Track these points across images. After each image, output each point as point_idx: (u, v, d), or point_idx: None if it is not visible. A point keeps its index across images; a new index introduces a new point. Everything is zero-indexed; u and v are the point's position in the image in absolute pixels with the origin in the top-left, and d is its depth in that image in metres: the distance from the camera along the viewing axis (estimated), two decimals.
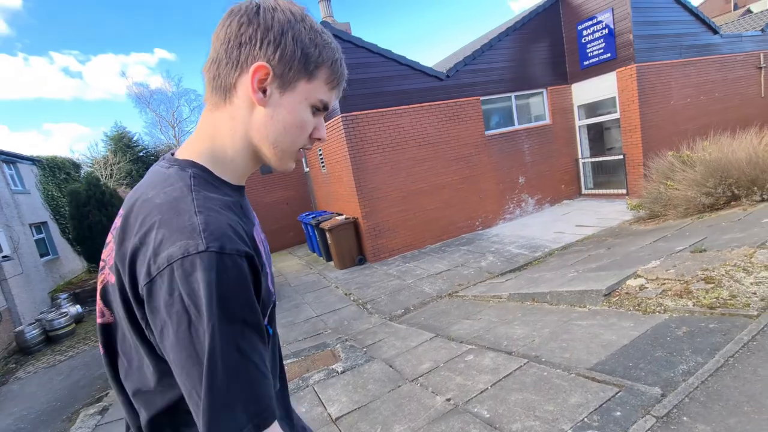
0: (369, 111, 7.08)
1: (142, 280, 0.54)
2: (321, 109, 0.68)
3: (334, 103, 0.68)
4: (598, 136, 9.56)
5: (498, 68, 8.41)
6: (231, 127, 0.66)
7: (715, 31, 9.25)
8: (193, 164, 0.65)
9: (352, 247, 7.34)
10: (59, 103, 42.68)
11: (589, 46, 8.70)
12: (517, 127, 8.83)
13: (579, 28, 8.78)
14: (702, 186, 4.65)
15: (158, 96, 27.45)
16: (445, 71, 7.85)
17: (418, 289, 5.48)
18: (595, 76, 8.78)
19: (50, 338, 8.13)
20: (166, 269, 0.52)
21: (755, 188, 4.30)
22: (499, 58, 8.41)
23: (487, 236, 7.83)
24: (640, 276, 3.00)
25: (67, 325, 8.34)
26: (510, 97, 8.75)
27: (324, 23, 7.65)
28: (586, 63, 8.85)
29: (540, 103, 9.25)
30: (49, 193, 12.04)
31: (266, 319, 0.66)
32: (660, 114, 8.48)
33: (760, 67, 10.28)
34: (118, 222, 0.63)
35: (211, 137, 0.67)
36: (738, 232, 3.43)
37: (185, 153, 0.67)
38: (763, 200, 4.23)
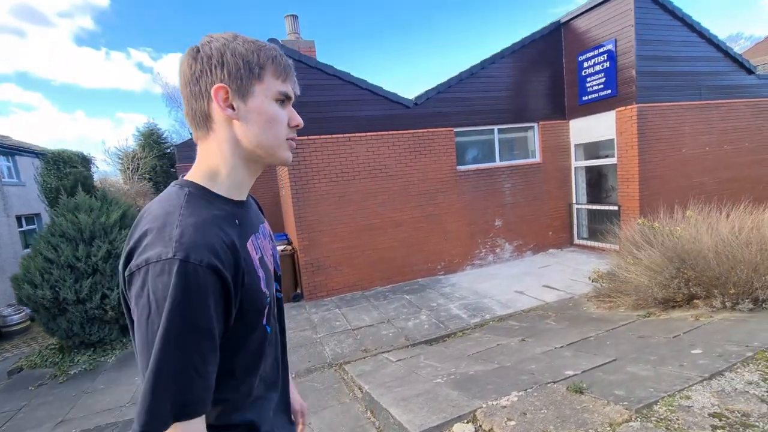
0: (318, 136, 6.51)
1: (127, 272, 0.65)
2: (285, 100, 0.78)
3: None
4: (597, 179, 8.41)
5: (480, 98, 7.58)
6: (220, 148, 0.77)
7: (749, 71, 7.88)
8: (191, 184, 0.76)
9: (289, 282, 6.75)
10: (131, 95, 47.15)
11: (589, 79, 7.67)
12: (498, 163, 7.91)
13: (580, 59, 7.77)
14: (658, 273, 3.63)
15: None
16: (413, 99, 7.14)
17: (318, 349, 4.78)
18: (594, 113, 7.72)
19: (2, 334, 8.15)
20: (143, 268, 0.63)
21: (716, 291, 3.25)
22: (483, 86, 7.58)
23: (442, 284, 6.97)
24: (473, 422, 2.16)
25: (20, 322, 8.34)
26: (492, 130, 7.87)
27: (279, 41, 7.22)
28: (585, 98, 7.81)
29: (529, 139, 8.28)
30: (49, 185, 12.46)
31: (263, 318, 0.77)
32: (666, 163, 7.26)
33: None
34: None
35: (207, 161, 0.78)
36: (653, 363, 2.48)
37: (189, 176, 0.79)
38: (724, 307, 3.17)
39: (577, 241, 8.60)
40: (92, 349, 5.08)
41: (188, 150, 9.61)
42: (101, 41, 44.99)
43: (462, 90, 7.44)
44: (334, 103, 6.62)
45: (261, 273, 0.76)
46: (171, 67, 45.61)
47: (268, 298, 0.78)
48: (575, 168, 8.46)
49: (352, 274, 6.94)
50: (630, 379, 2.28)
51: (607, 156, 7.78)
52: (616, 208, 7.54)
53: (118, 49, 45.93)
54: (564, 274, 6.83)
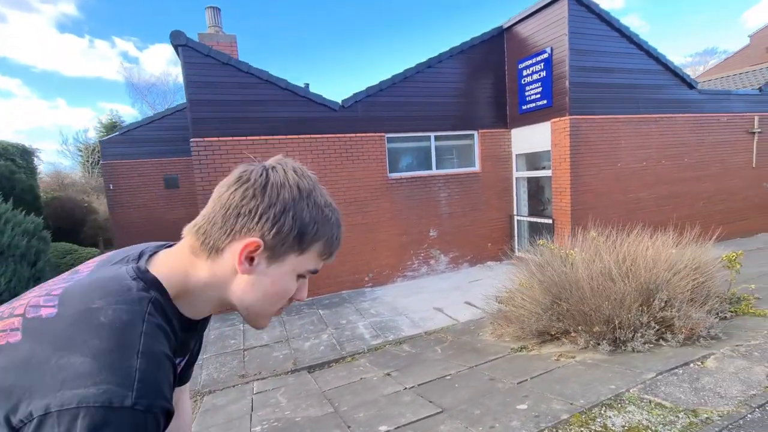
0: (229, 138, 6.08)
1: (33, 405, 0.43)
2: (306, 276, 0.67)
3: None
4: (536, 191, 8.18)
5: (416, 103, 7.25)
6: (207, 281, 0.63)
7: (690, 86, 7.75)
8: (159, 287, 0.59)
9: None
10: (114, 85, 45.65)
11: (528, 88, 7.42)
12: (434, 172, 7.60)
13: (520, 67, 7.52)
14: (537, 303, 3.34)
15: (159, 87, 27.40)
16: (340, 101, 6.77)
17: (195, 373, 4.35)
18: (533, 123, 7.47)
19: None
20: (71, 410, 0.43)
21: (579, 327, 2.96)
22: (419, 91, 7.24)
23: (364, 298, 6.62)
24: None
25: None
26: (429, 137, 7.55)
27: (204, 35, 6.77)
28: (524, 107, 7.56)
29: (469, 148, 7.99)
30: None
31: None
32: (601, 177, 7.05)
33: (753, 132, 8.62)
34: (49, 309, 0.51)
35: (186, 274, 0.62)
36: (470, 421, 2.15)
37: (157, 269, 0.61)
38: (587, 347, 2.88)
39: (518, 254, 8.35)
40: None
41: (114, 146, 9.04)
42: (85, 28, 43.38)
43: (396, 94, 7.10)
44: (251, 103, 6.20)
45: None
46: (157, 59, 44.47)
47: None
48: (516, 178, 8.22)
49: None
50: None
51: (544, 167, 7.55)
52: (550, 221, 7.31)
53: (103, 37, 44.43)
54: (492, 289, 6.50)
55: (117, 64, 45.28)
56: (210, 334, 5.43)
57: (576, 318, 2.96)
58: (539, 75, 7.09)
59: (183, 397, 0.88)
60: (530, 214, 8.11)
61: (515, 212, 8.27)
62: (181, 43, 5.70)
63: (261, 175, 0.62)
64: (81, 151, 23.66)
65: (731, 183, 8.51)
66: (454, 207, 7.77)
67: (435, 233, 7.66)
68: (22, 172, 12.12)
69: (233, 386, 4.00)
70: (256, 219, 0.60)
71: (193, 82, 5.85)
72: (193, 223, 0.64)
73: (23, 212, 10.05)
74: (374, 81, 7.13)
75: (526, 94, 7.46)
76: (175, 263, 0.63)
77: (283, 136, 6.40)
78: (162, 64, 44.79)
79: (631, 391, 2.13)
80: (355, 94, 6.86)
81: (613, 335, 2.78)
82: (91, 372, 0.45)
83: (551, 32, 6.74)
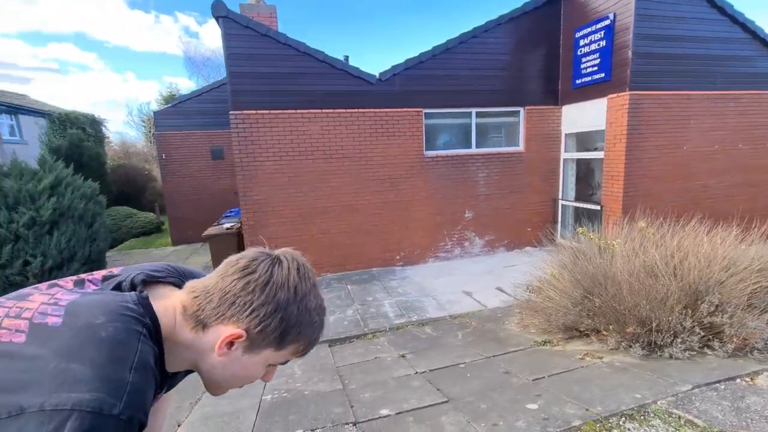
0: (266, 111, 6.14)
1: (24, 400, 0.47)
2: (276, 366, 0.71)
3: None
4: (586, 174, 7.56)
5: (457, 77, 6.86)
6: (187, 344, 0.66)
7: None
8: (154, 318, 0.62)
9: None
10: (176, 59, 48.68)
11: (584, 60, 6.74)
12: (473, 150, 7.25)
13: (577, 36, 6.83)
14: (566, 296, 3.08)
15: (213, 61, 28.38)
16: (377, 74, 6.56)
17: None
18: (587, 99, 6.83)
19: None
20: (64, 411, 0.46)
21: (611, 326, 2.67)
22: (461, 64, 6.84)
23: (394, 277, 6.60)
24: None
25: None
26: (470, 113, 7.16)
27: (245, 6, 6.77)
28: (578, 81, 6.91)
29: (513, 125, 7.50)
30: (55, 146, 12.92)
31: None
32: (662, 161, 6.35)
33: None
34: (55, 318, 0.55)
35: (173, 326, 0.66)
36: (472, 416, 2.03)
37: (155, 304, 0.65)
38: (618, 348, 2.61)
39: (560, 240, 7.87)
40: None
41: (166, 117, 9.52)
42: (151, 4, 45.98)
43: (436, 67, 6.75)
44: (288, 76, 6.18)
45: None
46: (215, 33, 46.39)
47: None
48: (564, 160, 7.64)
49: None
50: None
51: (596, 149, 6.93)
52: (598, 207, 6.76)
53: (167, 12, 46.86)
54: (526, 276, 6.24)
55: (192, 41, 47.62)
56: None
57: (608, 316, 2.70)
58: (598, 45, 6.40)
59: (165, 404, 0.93)
60: (577, 199, 7.55)
61: (560, 196, 7.74)
62: (221, 15, 5.75)
63: (266, 271, 0.65)
64: (144, 122, 25.41)
65: None
66: (493, 188, 7.41)
67: (471, 214, 7.39)
68: (90, 141, 13.20)
69: None
70: (247, 312, 0.63)
71: (234, 54, 5.91)
72: (195, 285, 0.68)
73: (87, 178, 11.00)
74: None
75: (582, 66, 6.78)
76: (168, 309, 0.66)
77: (319, 110, 6.36)
78: (218, 38, 47.02)
79: (658, 403, 1.90)
80: (394, 67, 6.61)
81: (649, 338, 2.50)
82: (88, 380, 0.49)
83: None
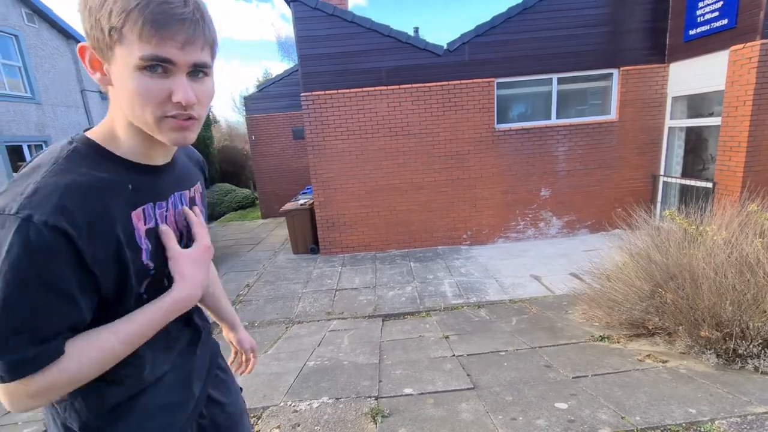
0: (334, 91, 6.33)
1: None
2: (157, 67, 0.60)
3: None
4: (696, 146, 6.32)
5: (535, 39, 6.22)
6: (113, 108, 0.69)
7: None
8: (84, 140, 0.68)
9: (307, 235, 7.09)
10: (273, 44, 53.18)
11: (701, 4, 5.55)
12: (553, 122, 6.59)
13: None
14: (634, 288, 2.68)
15: None
16: (445, 45, 6.25)
17: (291, 304, 5.05)
18: (703, 53, 5.66)
19: None
20: None
21: (682, 327, 2.21)
22: (540, 24, 6.17)
23: (458, 256, 6.47)
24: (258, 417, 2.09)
25: None
26: (550, 79, 6.47)
27: None
28: (692, 32, 5.74)
29: (604, 91, 6.58)
30: None
31: (141, 287, 0.71)
32: None
33: None
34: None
35: (109, 118, 0.70)
36: (492, 407, 1.93)
37: (90, 131, 0.71)
38: (687, 353, 2.17)
39: (659, 223, 6.82)
40: None
41: (254, 102, 10.37)
42: None
43: (511, 30, 6.19)
44: (355, 54, 6.24)
45: (145, 245, 0.70)
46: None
47: (152, 270, 0.72)
48: (670, 128, 6.51)
49: (368, 233, 6.91)
50: (427, 419, 1.88)
51: (711, 114, 5.75)
52: (710, 185, 5.67)
53: (265, 0, 50.69)
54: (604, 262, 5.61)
55: (271, 25, 50.80)
56: (313, 273, 6.13)
57: (680, 314, 2.30)
58: None
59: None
60: (684, 175, 6.42)
61: (662, 172, 6.66)
62: None
63: None
64: (245, 106, 28.13)
65: None
66: (575, 163, 6.67)
67: (547, 193, 6.80)
68: None
69: (318, 321, 4.51)
70: (82, 24, 0.62)
71: (304, 37, 6.15)
72: None
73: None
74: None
75: (698, 13, 5.59)
76: (104, 119, 0.70)
77: (385, 87, 6.33)
78: None
79: (716, 422, 1.58)
80: (462, 35, 6.23)
81: (728, 345, 2.07)
82: (2, 192, 0.59)
83: None
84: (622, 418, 1.70)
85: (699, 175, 6.14)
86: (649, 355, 2.36)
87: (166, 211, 0.76)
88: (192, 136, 0.68)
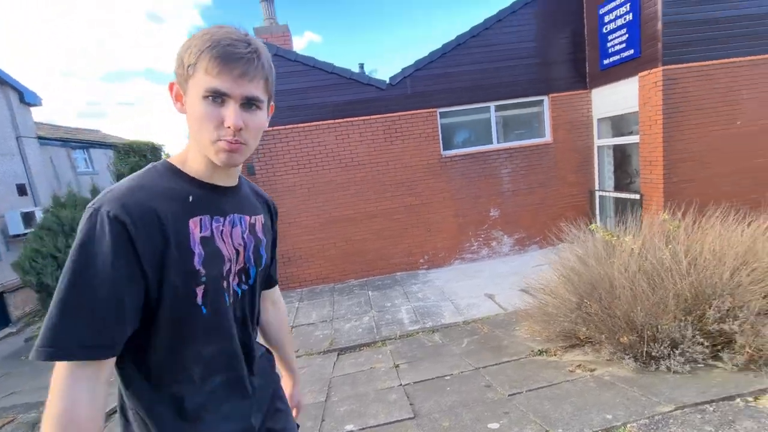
0: (282, 126, 6.40)
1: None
2: (217, 98, 0.73)
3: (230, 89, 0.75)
4: (624, 161, 6.90)
5: (471, 71, 6.65)
6: (190, 137, 0.81)
7: None
8: (163, 162, 0.83)
9: None
10: None
11: (610, 37, 6.20)
12: (495, 146, 6.96)
13: (600, 12, 6.31)
14: (564, 303, 2.84)
15: None
16: (387, 79, 6.55)
17: None
18: (618, 80, 6.27)
19: None
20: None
21: (603, 335, 2.37)
22: (474, 58, 6.62)
23: (416, 281, 6.53)
24: None
25: None
26: (488, 108, 6.90)
27: (255, 29, 7.10)
28: (606, 62, 6.37)
29: (537, 116, 7.09)
30: (120, 173, 14.48)
31: (195, 296, 0.78)
32: (708, 141, 5.63)
33: None
34: None
35: (187, 145, 0.83)
36: None
37: (171, 156, 0.86)
38: (612, 359, 2.31)
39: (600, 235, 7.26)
40: None
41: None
42: None
43: (448, 64, 6.60)
44: (302, 91, 6.39)
45: (198, 250, 0.78)
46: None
47: (204, 278, 0.78)
48: (599, 147, 7.06)
49: (325, 266, 6.85)
50: None
51: (631, 132, 6.32)
52: (638, 197, 6.16)
53: None
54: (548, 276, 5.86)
55: None
56: None
57: (600, 324, 2.45)
58: (624, 19, 5.84)
59: (277, 300, 1.20)
60: (616, 189, 6.94)
61: (597, 187, 7.16)
62: None
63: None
64: None
65: None
66: (519, 184, 7.05)
67: (496, 213, 7.09)
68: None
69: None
70: (173, 71, 0.78)
71: None
72: None
73: None
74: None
75: (609, 44, 6.24)
76: (183, 149, 0.85)
77: (332, 121, 6.49)
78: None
79: (628, 426, 1.68)
80: (404, 70, 6.56)
81: (644, 349, 2.22)
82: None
83: None
84: (547, 431, 1.76)
85: (628, 188, 6.66)
86: (579, 365, 2.47)
87: (223, 226, 0.85)
88: (239, 158, 0.78)
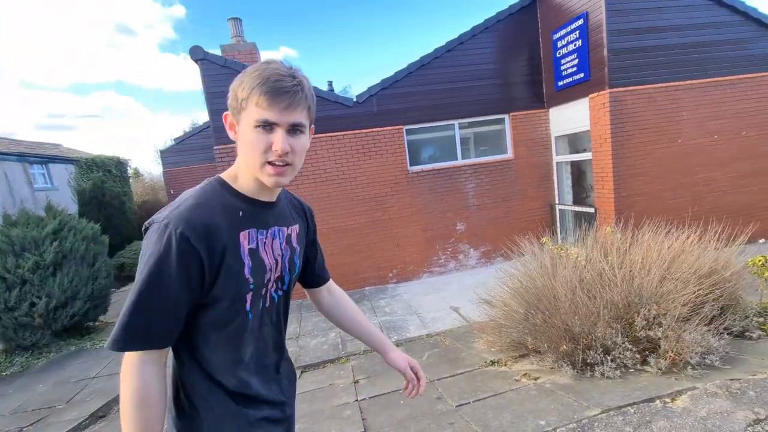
0: None
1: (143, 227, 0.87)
2: (267, 126, 0.84)
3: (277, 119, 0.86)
4: (581, 177, 7.28)
5: (435, 91, 6.90)
6: (239, 157, 0.92)
7: None
8: (218, 179, 0.94)
9: None
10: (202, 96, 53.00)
11: (563, 61, 6.60)
12: (459, 162, 7.20)
13: (554, 38, 6.71)
14: (513, 314, 2.97)
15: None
16: (354, 97, 6.70)
17: None
18: (571, 100, 6.65)
19: None
20: (150, 226, 0.83)
21: (546, 344, 2.52)
22: (438, 78, 6.88)
23: (384, 295, 6.58)
24: None
25: None
26: (452, 125, 7.14)
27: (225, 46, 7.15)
28: (560, 84, 6.76)
29: (499, 133, 7.40)
30: (82, 189, 13.93)
31: (245, 303, 0.91)
32: (654, 158, 6.04)
33: None
34: None
35: (235, 163, 0.94)
36: None
37: (224, 173, 0.95)
38: (555, 368, 2.46)
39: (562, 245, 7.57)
40: (29, 351, 5.56)
41: (172, 155, 10.09)
42: (180, 47, 50.05)
43: (413, 83, 6.82)
44: None
45: (247, 261, 0.89)
46: None
47: (252, 285, 0.90)
48: (557, 163, 7.42)
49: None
50: None
51: (585, 150, 6.69)
52: (593, 210, 6.49)
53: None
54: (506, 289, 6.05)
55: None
56: None
57: (544, 334, 2.58)
58: (575, 45, 6.25)
59: (333, 287, 1.27)
60: (574, 203, 7.28)
61: (557, 201, 7.49)
62: (199, 58, 6.11)
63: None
64: (161, 160, 26.95)
65: None
66: (484, 198, 7.28)
67: (463, 227, 7.28)
68: (113, 181, 14.12)
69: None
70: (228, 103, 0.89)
71: (214, 92, 6.24)
72: None
73: (110, 216, 11.58)
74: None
75: (562, 68, 6.64)
76: (233, 166, 0.95)
77: None
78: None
79: (558, 430, 1.79)
80: (370, 88, 6.74)
81: (581, 356, 2.36)
82: (162, 211, 0.85)
83: None
84: None
85: (584, 202, 7.01)
86: (525, 374, 2.58)
87: (266, 238, 0.95)
88: (286, 180, 0.88)
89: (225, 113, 0.90)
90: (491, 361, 3.03)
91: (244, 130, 0.85)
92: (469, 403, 2.33)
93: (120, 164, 16.58)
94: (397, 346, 4.56)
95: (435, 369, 3.25)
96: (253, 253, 0.90)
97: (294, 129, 0.86)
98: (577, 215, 7.11)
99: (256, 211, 0.93)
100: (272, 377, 1.00)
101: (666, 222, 4.00)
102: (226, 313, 0.88)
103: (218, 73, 6.20)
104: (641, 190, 6.06)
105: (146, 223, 0.84)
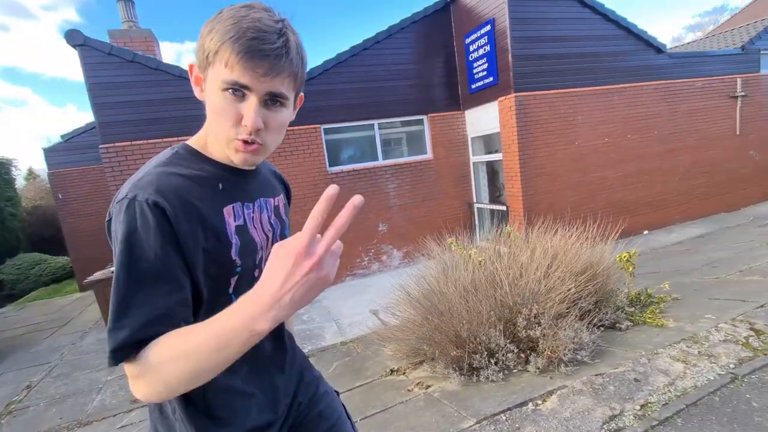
0: (144, 141, 5.73)
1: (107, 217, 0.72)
2: (237, 91, 0.67)
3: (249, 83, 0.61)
4: (494, 177, 7.63)
5: (354, 90, 6.74)
6: (207, 120, 0.75)
7: (659, 50, 7.00)
8: (183, 146, 0.78)
9: None
10: None
11: (475, 65, 6.82)
12: (380, 162, 7.13)
13: (466, 42, 6.91)
14: (410, 320, 2.92)
15: None
16: None
17: (89, 396, 4.12)
18: (483, 103, 6.89)
19: None
20: (112, 210, 0.69)
21: (437, 351, 2.52)
22: (357, 76, 6.73)
23: None
24: None
25: None
26: (372, 125, 7.05)
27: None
28: (473, 87, 6.97)
29: (419, 134, 7.47)
30: None
31: (229, 287, 0.77)
32: (555, 158, 6.47)
33: (736, 96, 7.82)
34: None
35: (204, 127, 0.78)
36: None
37: (190, 138, 0.81)
38: (445, 374, 2.45)
39: (480, 244, 7.87)
40: None
41: (59, 154, 8.81)
42: (87, 33, 44.44)
43: (329, 81, 6.60)
44: (167, 102, 5.81)
45: (235, 240, 0.76)
46: (162, 57, 45.23)
47: (239, 268, 0.77)
48: (474, 163, 7.68)
49: None
50: None
51: (497, 151, 7.00)
52: (505, 208, 6.81)
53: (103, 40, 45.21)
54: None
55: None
56: None
57: (435, 339, 2.54)
58: (484, 50, 6.48)
59: None
60: (490, 201, 7.60)
61: (474, 200, 7.76)
62: (78, 43, 5.32)
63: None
64: (46, 160, 23.79)
65: (711, 154, 7.78)
66: (406, 198, 7.31)
67: (385, 227, 7.24)
68: None
69: (115, 415, 3.74)
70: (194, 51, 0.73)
71: (97, 84, 5.48)
72: None
73: None
74: None
75: (475, 71, 6.86)
76: (201, 131, 0.80)
77: None
78: (167, 61, 46.73)
79: None
80: None
81: (468, 361, 2.36)
82: (120, 190, 0.68)
83: (492, 0, 6.10)
84: None
85: (498, 201, 7.34)
86: (419, 383, 2.52)
87: (252, 212, 0.81)
88: (256, 159, 0.74)
89: (191, 63, 0.73)
90: (391, 369, 2.94)
91: (210, 91, 0.69)
92: (357, 422, 2.20)
93: (2, 165, 14.26)
94: (310, 357, 4.33)
95: (338, 381, 3.09)
96: (241, 230, 0.77)
97: (273, 99, 0.69)
98: (493, 213, 7.42)
99: (237, 181, 0.79)
100: (267, 360, 0.87)
101: (566, 218, 4.25)
102: (205, 300, 0.73)
103: (103, 62, 5.45)
104: (546, 189, 6.47)
105: (108, 212, 0.68)
